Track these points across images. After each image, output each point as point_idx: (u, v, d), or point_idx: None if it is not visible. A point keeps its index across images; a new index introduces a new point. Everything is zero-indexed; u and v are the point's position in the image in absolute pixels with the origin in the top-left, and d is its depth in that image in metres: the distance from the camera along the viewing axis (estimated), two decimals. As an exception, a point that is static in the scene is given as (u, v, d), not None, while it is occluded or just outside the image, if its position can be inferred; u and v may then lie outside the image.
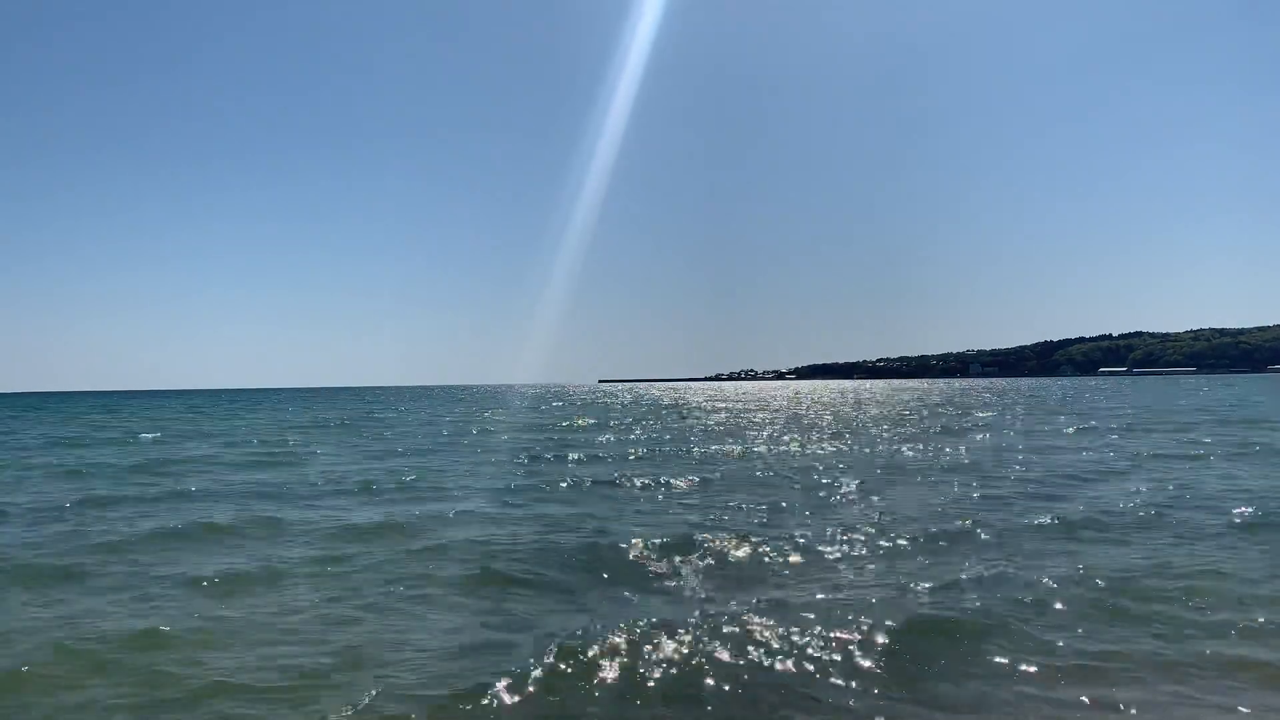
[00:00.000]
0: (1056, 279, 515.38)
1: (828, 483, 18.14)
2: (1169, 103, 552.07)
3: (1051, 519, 13.07)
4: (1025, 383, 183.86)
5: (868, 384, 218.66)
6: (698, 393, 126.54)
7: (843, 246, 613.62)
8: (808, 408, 64.00)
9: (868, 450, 26.44)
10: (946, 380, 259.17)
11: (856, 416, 49.00)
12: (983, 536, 11.90)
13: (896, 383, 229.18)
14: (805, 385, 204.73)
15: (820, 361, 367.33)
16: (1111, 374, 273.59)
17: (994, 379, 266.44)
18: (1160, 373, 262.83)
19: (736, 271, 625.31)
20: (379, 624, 8.13)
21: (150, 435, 39.16)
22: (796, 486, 17.74)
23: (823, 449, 27.25)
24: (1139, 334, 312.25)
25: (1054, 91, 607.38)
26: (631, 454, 26.46)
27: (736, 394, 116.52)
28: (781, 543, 11.38)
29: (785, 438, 32.15)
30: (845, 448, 27.48)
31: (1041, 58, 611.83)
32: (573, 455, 26.02)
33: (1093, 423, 38.26)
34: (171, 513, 15.18)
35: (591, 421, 47.26)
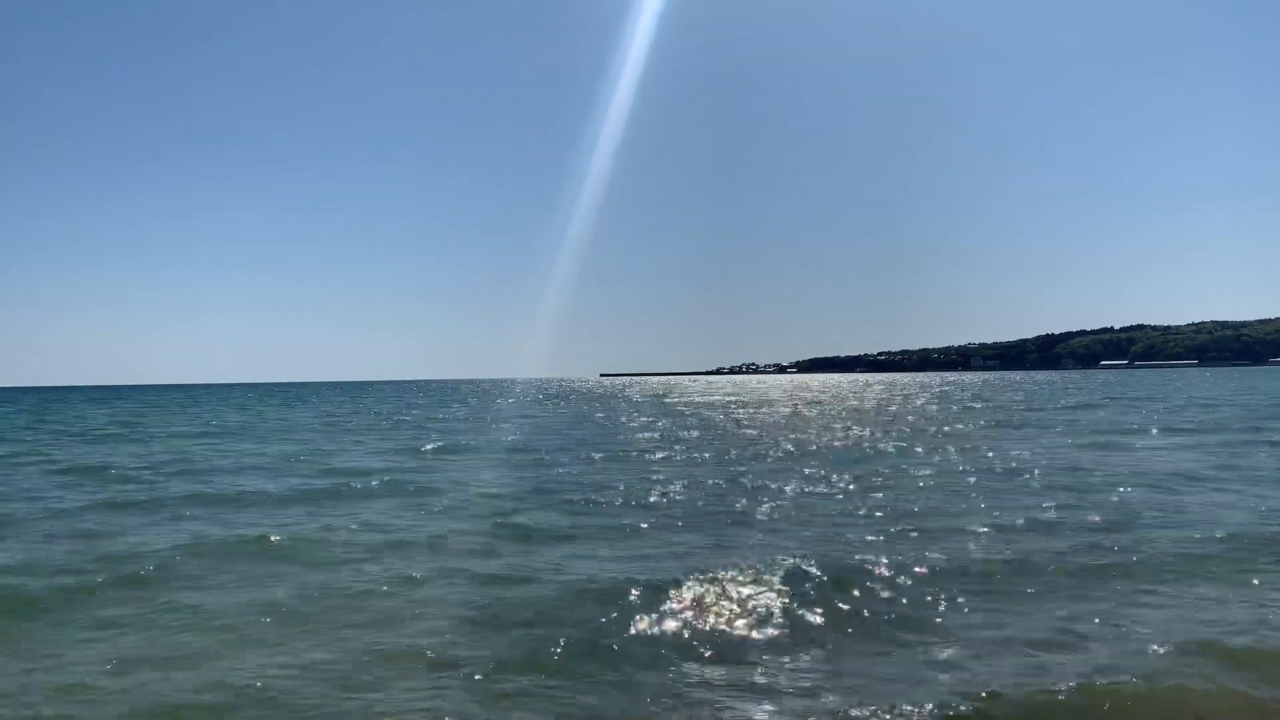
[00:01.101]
0: (1058, 272, 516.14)
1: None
2: (1171, 95, 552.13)
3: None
4: (1041, 375, 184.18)
5: (878, 377, 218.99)
6: (714, 389, 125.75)
7: (844, 240, 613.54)
8: (876, 412, 47.79)
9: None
10: (955, 374, 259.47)
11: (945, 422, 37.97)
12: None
13: (903, 376, 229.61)
14: (814, 380, 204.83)
15: (821, 355, 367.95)
16: (1113, 367, 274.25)
17: (995, 372, 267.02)
18: (1162, 366, 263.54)
19: (737, 265, 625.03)
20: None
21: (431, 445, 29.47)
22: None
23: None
24: (1140, 327, 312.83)
25: (1056, 85, 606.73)
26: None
27: (762, 390, 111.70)
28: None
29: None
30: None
31: (1043, 52, 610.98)
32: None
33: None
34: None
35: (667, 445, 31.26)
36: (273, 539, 12.36)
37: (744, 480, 18.39)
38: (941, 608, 8.58)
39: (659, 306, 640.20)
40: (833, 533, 12.41)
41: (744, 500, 15.65)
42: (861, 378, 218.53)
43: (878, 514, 13.95)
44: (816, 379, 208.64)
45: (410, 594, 9.38)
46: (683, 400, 74.80)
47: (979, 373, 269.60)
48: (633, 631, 7.96)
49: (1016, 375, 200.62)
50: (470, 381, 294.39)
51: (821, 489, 16.97)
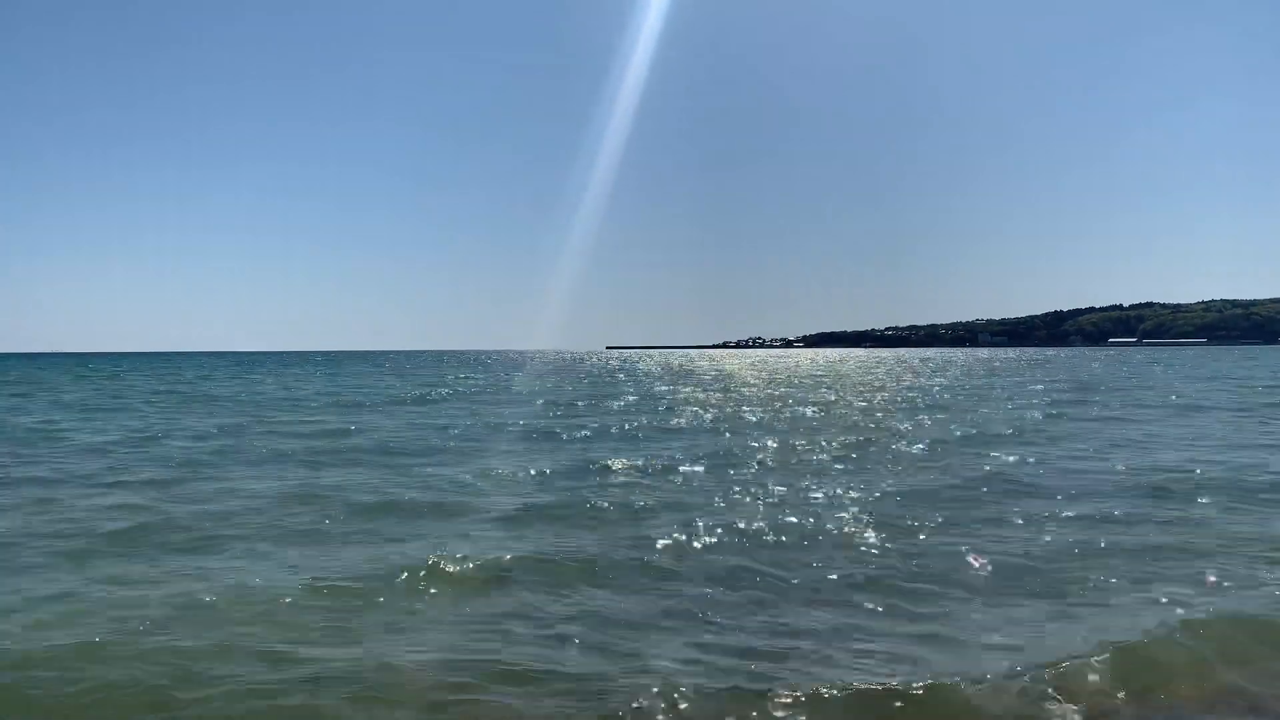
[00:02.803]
0: (1066, 249, 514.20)
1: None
2: (1183, 68, 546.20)
3: None
4: (1048, 351, 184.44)
5: (883, 353, 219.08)
6: (736, 362, 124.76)
7: (851, 214, 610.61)
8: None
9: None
10: (964, 350, 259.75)
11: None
12: None
13: (911, 351, 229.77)
14: (831, 354, 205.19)
15: (828, 330, 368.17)
16: (1121, 344, 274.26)
17: (1003, 349, 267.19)
18: (1171, 344, 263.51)
19: (744, 239, 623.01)
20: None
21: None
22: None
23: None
24: (1150, 305, 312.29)
25: (1065, 59, 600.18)
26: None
27: (791, 367, 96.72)
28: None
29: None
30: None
31: (1052, 23, 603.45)
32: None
33: None
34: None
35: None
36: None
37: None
38: None
39: (666, 280, 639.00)
40: None
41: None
42: (873, 353, 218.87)
43: None
44: (842, 353, 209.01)
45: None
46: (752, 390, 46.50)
47: (987, 348, 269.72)
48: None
49: (1046, 351, 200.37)
50: (480, 353, 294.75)
51: None
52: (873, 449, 19.38)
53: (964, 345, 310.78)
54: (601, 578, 8.80)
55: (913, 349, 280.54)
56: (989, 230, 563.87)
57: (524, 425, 26.04)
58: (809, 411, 30.65)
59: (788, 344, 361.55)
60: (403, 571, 8.71)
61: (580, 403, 36.86)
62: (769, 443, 20.45)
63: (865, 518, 11.47)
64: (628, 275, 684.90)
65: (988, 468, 16.12)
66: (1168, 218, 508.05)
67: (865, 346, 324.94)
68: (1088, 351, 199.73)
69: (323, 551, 9.98)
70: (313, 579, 8.54)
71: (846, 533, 10.64)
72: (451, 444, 21.27)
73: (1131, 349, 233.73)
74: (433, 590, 8.29)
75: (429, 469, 16.63)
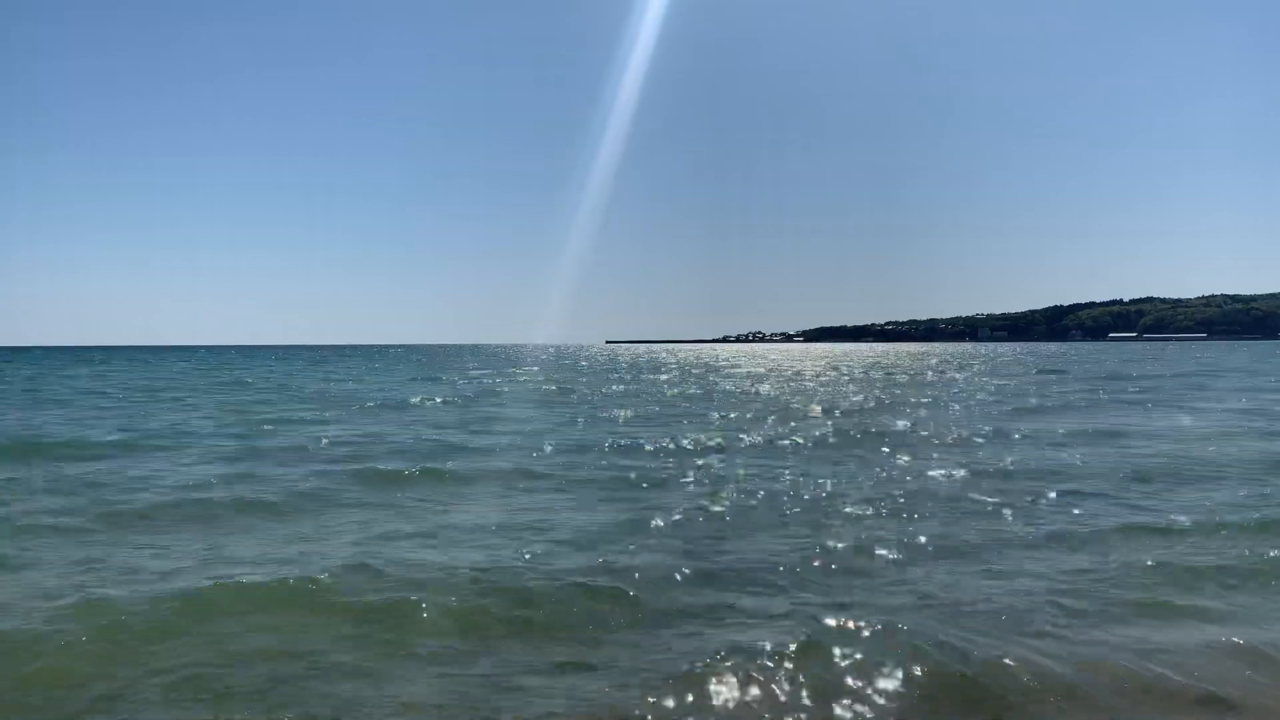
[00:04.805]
0: (1067, 243, 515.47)
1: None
2: (1183, 64, 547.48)
3: None
4: (1052, 347, 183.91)
5: (880, 347, 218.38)
6: (754, 361, 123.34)
7: (851, 209, 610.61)
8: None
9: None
10: (971, 344, 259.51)
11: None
12: None
13: (917, 346, 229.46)
14: (836, 348, 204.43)
15: (828, 324, 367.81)
16: (1121, 339, 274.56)
17: (1003, 343, 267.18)
18: (1171, 339, 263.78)
19: (744, 234, 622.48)
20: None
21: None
22: None
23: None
24: (1150, 299, 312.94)
25: (1067, 54, 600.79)
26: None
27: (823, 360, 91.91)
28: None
29: None
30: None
31: (1052, 18, 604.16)
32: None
33: None
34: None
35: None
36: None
37: None
38: None
39: (666, 274, 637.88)
40: None
41: None
42: (876, 347, 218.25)
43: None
44: (846, 347, 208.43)
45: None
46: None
47: (987, 343, 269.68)
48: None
49: (1051, 347, 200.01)
50: (476, 347, 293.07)
51: None
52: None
53: (964, 340, 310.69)
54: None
55: (913, 344, 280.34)
56: (989, 225, 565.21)
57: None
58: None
59: (788, 338, 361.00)
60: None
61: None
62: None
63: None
64: (628, 269, 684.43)
65: None
66: (1169, 212, 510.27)
67: (865, 341, 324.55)
68: (1099, 346, 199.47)
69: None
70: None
71: None
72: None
73: (1133, 343, 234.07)
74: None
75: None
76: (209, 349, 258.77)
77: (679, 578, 7.77)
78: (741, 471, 14.01)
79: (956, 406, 27.71)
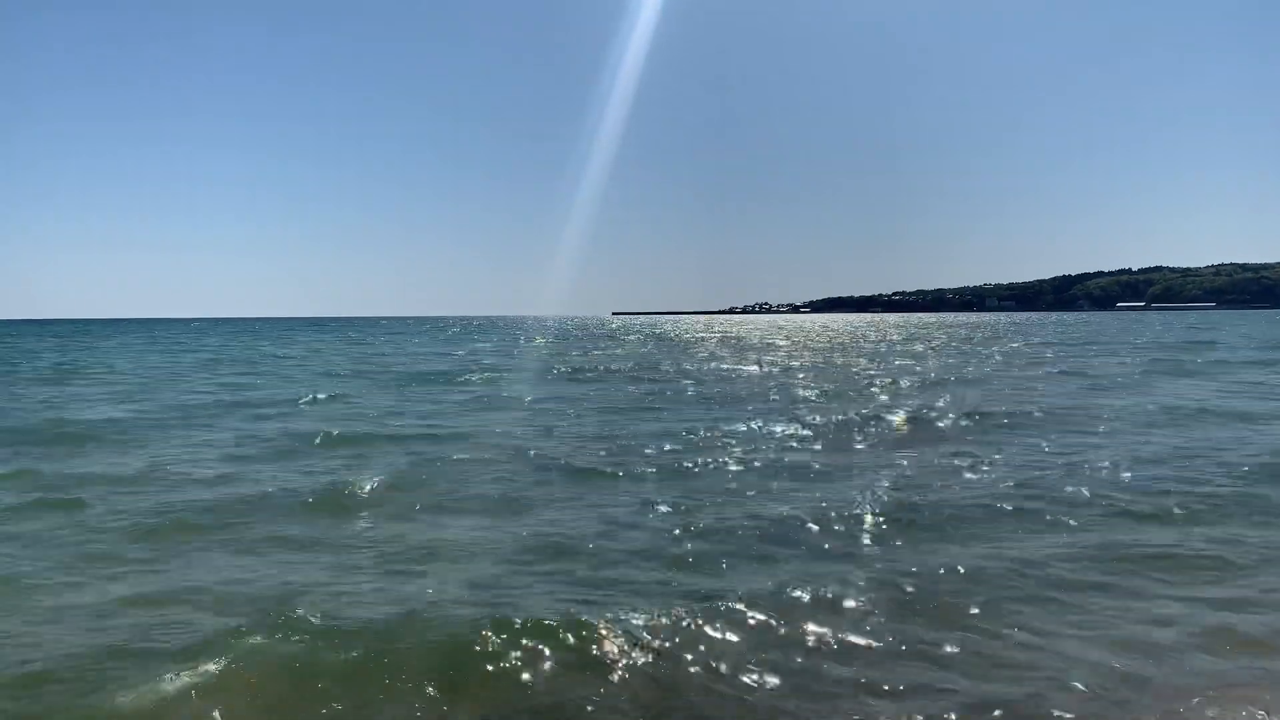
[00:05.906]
0: (1074, 213, 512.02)
1: None
2: (1193, 33, 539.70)
3: None
4: (1068, 316, 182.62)
5: (890, 317, 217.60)
6: (775, 332, 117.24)
7: (859, 179, 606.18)
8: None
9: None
10: (970, 314, 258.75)
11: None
12: None
13: (921, 316, 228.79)
14: (835, 319, 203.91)
15: (834, 295, 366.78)
16: (1130, 309, 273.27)
17: (1011, 314, 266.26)
18: (1180, 308, 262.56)
19: (750, 205, 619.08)
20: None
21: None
22: None
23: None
24: (1159, 268, 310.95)
25: (1077, 23, 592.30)
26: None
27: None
28: None
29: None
30: None
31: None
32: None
33: None
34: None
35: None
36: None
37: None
38: None
39: (672, 246, 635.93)
40: None
41: None
42: (885, 318, 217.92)
43: None
44: (853, 318, 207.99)
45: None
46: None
47: (995, 313, 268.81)
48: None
49: (1064, 316, 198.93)
50: (485, 318, 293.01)
51: None
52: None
53: (971, 310, 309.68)
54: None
55: (920, 314, 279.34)
56: (997, 194, 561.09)
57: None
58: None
59: (794, 309, 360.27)
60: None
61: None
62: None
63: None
64: (634, 241, 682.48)
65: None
66: (1178, 181, 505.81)
67: (872, 311, 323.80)
68: (1109, 315, 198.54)
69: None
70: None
71: None
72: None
73: (1142, 313, 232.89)
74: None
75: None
76: (240, 321, 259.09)
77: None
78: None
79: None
